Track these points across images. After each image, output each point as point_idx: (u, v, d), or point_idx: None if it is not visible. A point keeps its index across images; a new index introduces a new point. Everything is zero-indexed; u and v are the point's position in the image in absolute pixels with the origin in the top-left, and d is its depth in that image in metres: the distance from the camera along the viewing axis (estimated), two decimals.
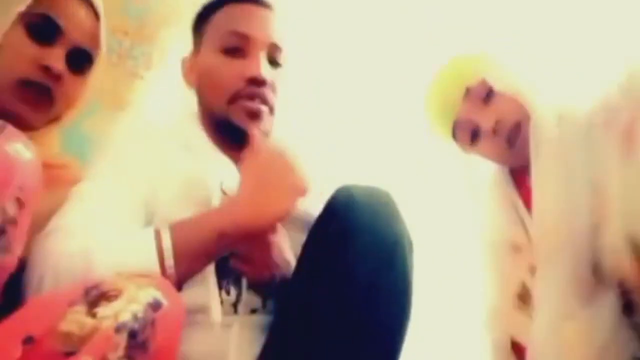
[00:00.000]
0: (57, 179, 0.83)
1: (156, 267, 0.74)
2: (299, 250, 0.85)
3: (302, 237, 0.84)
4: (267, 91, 0.94)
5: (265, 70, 0.93)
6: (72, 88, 0.93)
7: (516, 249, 1.06)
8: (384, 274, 0.75)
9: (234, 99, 0.93)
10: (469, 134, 1.09)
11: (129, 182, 0.85)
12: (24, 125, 0.86)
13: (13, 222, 0.68)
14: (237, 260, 0.85)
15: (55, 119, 0.95)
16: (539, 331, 0.85)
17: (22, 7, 0.86)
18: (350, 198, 0.79)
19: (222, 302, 0.85)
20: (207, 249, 0.78)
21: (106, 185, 0.84)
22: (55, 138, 0.98)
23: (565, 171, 0.90)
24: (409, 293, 0.78)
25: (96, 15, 0.95)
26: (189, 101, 1.53)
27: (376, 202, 0.79)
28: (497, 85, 1.04)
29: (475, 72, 1.07)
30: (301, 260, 0.84)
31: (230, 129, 0.94)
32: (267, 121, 0.95)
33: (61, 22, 0.89)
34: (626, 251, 0.69)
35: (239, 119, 0.93)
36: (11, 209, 0.67)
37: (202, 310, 0.81)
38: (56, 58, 0.88)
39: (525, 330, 0.98)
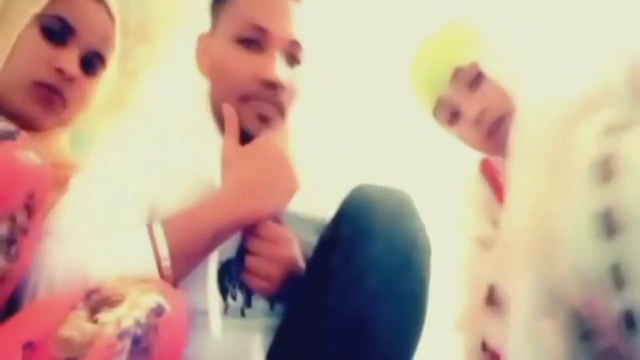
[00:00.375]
0: (63, 180, 0.82)
1: (154, 270, 0.73)
2: (311, 253, 0.84)
3: (315, 241, 0.84)
4: (280, 94, 0.89)
5: (281, 70, 0.88)
6: (84, 90, 0.93)
7: (486, 246, 1.03)
8: (398, 279, 0.73)
9: (245, 98, 0.89)
10: (449, 114, 1.05)
11: (132, 181, 0.83)
12: (36, 126, 0.89)
13: (23, 230, 0.67)
14: (251, 276, 0.83)
15: (66, 120, 0.96)
16: (516, 333, 0.82)
17: (37, 9, 0.87)
18: (365, 199, 0.77)
19: (228, 307, 0.84)
20: (202, 247, 0.78)
21: (107, 186, 0.82)
22: (64, 140, 0.97)
23: (542, 171, 0.88)
24: (423, 298, 0.76)
25: (110, 16, 0.95)
26: (190, 100, 1.53)
27: (393, 204, 0.77)
28: (487, 71, 1.00)
29: (467, 51, 1.01)
30: (313, 261, 0.83)
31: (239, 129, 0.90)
32: (278, 125, 0.90)
33: (75, 24, 0.89)
34: (578, 278, 0.67)
35: (247, 123, 0.89)
36: (21, 217, 0.67)
37: (207, 313, 0.80)
38: (70, 60, 0.89)
39: (497, 332, 0.95)
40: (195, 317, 0.79)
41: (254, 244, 0.83)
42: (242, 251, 0.85)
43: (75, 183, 0.83)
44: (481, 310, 1.00)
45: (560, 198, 0.70)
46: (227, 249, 0.84)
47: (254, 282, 0.83)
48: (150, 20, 1.43)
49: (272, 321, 0.86)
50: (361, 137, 1.52)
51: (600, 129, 0.70)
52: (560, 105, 0.87)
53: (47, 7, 0.88)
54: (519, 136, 0.90)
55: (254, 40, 0.89)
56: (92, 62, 0.93)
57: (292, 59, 0.92)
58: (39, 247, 0.73)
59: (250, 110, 0.88)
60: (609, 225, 0.65)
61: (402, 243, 0.74)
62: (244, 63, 0.88)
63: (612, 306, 0.66)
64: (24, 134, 0.70)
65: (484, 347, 1.01)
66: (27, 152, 0.68)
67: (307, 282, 0.82)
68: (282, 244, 0.84)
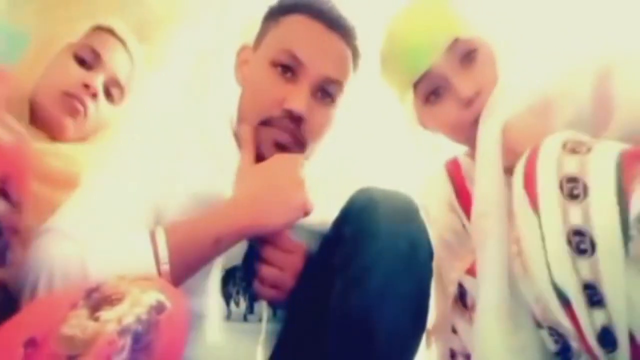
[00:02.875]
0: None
1: (152, 272, 0.74)
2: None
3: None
4: (302, 127, 0.89)
5: (307, 104, 0.88)
6: (104, 111, 1.10)
7: (449, 247, 1.00)
8: (400, 278, 0.73)
9: (266, 123, 0.89)
10: (431, 90, 0.93)
11: (140, 182, 0.83)
12: (59, 135, 1.04)
13: (13, 230, 0.66)
14: (262, 285, 0.84)
15: (85, 137, 1.09)
16: (485, 343, 0.81)
17: (73, 39, 1.07)
18: (368, 200, 0.77)
19: (230, 313, 0.85)
20: (203, 253, 0.78)
21: (113, 189, 0.82)
22: (80, 153, 1.04)
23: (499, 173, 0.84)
24: (424, 300, 0.77)
25: (131, 59, 1.13)
26: (189, 101, 1.52)
27: (396, 206, 0.77)
28: (483, 50, 0.92)
29: (469, 23, 0.91)
30: (316, 262, 0.83)
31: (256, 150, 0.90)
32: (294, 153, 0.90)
33: (104, 54, 1.08)
34: (554, 297, 0.67)
35: (264, 147, 0.89)
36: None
37: (203, 316, 0.80)
38: (95, 80, 1.06)
39: (469, 338, 0.93)
40: (197, 320, 0.79)
41: (269, 253, 0.83)
42: (249, 259, 0.86)
43: (83, 182, 0.84)
44: (449, 316, 0.98)
45: (525, 214, 0.70)
46: (234, 255, 0.84)
47: (265, 292, 0.84)
48: (150, 20, 1.43)
49: (275, 326, 0.86)
50: (372, 141, 1.50)
51: (562, 147, 0.70)
52: (517, 103, 0.86)
53: (82, 39, 1.07)
54: (482, 131, 0.87)
55: (289, 68, 0.89)
56: (113, 89, 1.10)
57: (327, 96, 0.91)
58: (39, 242, 0.73)
59: (268, 134, 0.89)
60: (581, 243, 0.64)
61: (404, 243, 0.74)
62: (273, 87, 0.89)
63: (588, 325, 0.66)
64: None
65: (453, 354, 0.99)
66: None
67: (309, 282, 0.82)
68: (298, 255, 0.84)
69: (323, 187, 0.88)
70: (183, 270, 0.77)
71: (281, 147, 0.89)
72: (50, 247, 0.73)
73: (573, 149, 0.69)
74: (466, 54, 0.91)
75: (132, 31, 1.17)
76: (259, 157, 0.89)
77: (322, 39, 0.90)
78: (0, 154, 0.63)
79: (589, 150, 0.69)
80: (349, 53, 0.93)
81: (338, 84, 0.91)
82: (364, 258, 0.73)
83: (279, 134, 0.88)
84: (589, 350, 0.67)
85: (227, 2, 1.56)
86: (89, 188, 0.83)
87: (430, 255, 0.78)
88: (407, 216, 0.77)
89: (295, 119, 0.87)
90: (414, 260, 0.75)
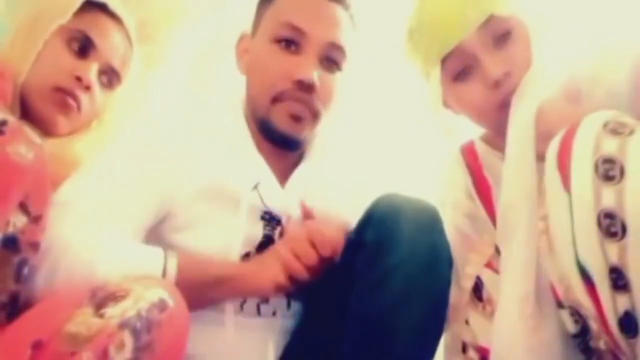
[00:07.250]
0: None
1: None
2: None
3: None
4: (314, 96, 0.88)
5: (316, 72, 0.87)
6: (98, 101, 1.01)
7: (466, 238, 0.98)
8: (421, 283, 0.73)
9: (278, 98, 0.88)
10: (461, 67, 0.89)
11: (143, 173, 0.83)
12: (52, 131, 0.95)
13: (33, 245, 0.66)
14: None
15: (80, 128, 1.01)
16: (506, 329, 0.80)
17: (63, 21, 0.95)
18: (392, 206, 0.78)
19: (245, 302, 0.84)
20: (204, 289, 0.78)
21: (116, 175, 0.82)
22: (77, 147, 0.99)
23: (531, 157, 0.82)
24: (443, 307, 0.77)
25: (129, 40, 1.03)
26: (189, 101, 1.52)
27: (419, 214, 0.77)
28: (518, 30, 0.88)
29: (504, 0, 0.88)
30: (336, 264, 0.82)
31: (270, 130, 0.90)
32: (308, 128, 0.91)
33: (97, 40, 0.98)
34: (577, 277, 0.67)
35: (279, 122, 0.89)
36: (19, 220, 0.64)
37: (216, 308, 0.80)
38: (88, 71, 0.96)
39: (483, 331, 0.92)
40: (207, 313, 0.80)
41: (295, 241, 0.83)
42: (263, 246, 0.86)
43: (92, 163, 0.84)
44: (463, 308, 0.96)
45: (556, 192, 0.69)
46: (248, 241, 0.85)
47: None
48: (150, 20, 1.43)
49: (288, 322, 0.87)
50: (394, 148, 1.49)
51: (603, 127, 0.68)
52: (551, 87, 0.84)
53: (73, 21, 0.96)
54: (514, 115, 0.85)
55: (291, 41, 0.89)
56: (108, 77, 1.01)
57: (332, 63, 0.91)
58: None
59: (282, 109, 0.88)
60: (611, 226, 0.64)
61: (426, 250, 0.75)
62: (279, 62, 0.88)
63: (611, 308, 0.65)
64: (12, 125, 0.66)
65: (464, 348, 0.97)
66: (18, 147, 0.64)
67: (328, 283, 0.82)
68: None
69: (341, 189, 0.89)
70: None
71: (297, 119, 0.89)
72: (53, 239, 0.72)
73: (614, 129, 0.68)
74: (501, 34, 0.88)
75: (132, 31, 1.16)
76: (277, 134, 0.89)
77: (320, 7, 0.90)
78: (22, 173, 0.64)
79: (631, 132, 0.67)
80: (347, 19, 0.92)
81: (342, 50, 0.91)
82: (386, 263, 0.74)
83: (292, 106, 0.88)
84: (608, 333, 0.67)
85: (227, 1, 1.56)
86: (94, 172, 0.83)
87: (450, 263, 0.79)
88: (429, 224, 0.78)
89: (307, 89, 0.87)
90: (434, 267, 0.75)
